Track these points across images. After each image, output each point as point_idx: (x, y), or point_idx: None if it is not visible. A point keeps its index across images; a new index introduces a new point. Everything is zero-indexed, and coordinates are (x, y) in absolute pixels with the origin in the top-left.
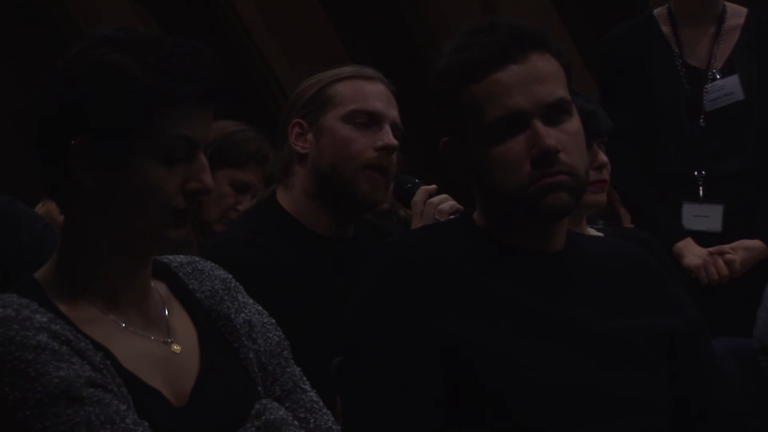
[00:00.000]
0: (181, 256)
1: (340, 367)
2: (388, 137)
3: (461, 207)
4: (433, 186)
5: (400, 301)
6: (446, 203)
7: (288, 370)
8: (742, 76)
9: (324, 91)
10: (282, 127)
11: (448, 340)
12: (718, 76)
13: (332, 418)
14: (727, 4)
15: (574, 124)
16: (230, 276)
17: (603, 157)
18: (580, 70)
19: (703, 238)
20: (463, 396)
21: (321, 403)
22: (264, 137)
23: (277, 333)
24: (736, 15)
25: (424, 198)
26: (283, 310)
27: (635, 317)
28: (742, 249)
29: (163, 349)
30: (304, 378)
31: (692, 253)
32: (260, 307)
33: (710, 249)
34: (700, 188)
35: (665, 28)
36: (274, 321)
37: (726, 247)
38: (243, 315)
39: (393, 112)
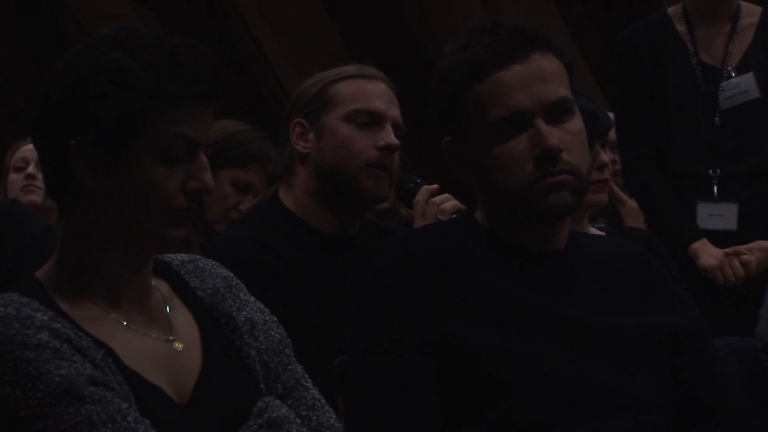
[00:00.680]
0: (182, 255)
1: (342, 366)
2: (390, 137)
3: (463, 206)
4: (435, 186)
5: (402, 300)
6: (448, 203)
7: (290, 367)
8: (758, 73)
9: (325, 90)
10: (283, 127)
11: (451, 338)
12: (734, 74)
13: (334, 416)
14: (742, 3)
15: (577, 123)
16: (231, 274)
17: (604, 157)
18: (582, 70)
19: (718, 238)
20: (466, 394)
21: (323, 401)
22: (266, 137)
23: (278, 331)
24: (751, 14)
25: (426, 197)
26: (287, 307)
27: (637, 315)
28: (758, 250)
29: (164, 347)
30: (306, 376)
31: (708, 253)
32: (262, 305)
33: (726, 250)
34: (715, 187)
35: (680, 27)
36: (275, 319)
37: (742, 248)
38: (245, 313)
39: (394, 111)
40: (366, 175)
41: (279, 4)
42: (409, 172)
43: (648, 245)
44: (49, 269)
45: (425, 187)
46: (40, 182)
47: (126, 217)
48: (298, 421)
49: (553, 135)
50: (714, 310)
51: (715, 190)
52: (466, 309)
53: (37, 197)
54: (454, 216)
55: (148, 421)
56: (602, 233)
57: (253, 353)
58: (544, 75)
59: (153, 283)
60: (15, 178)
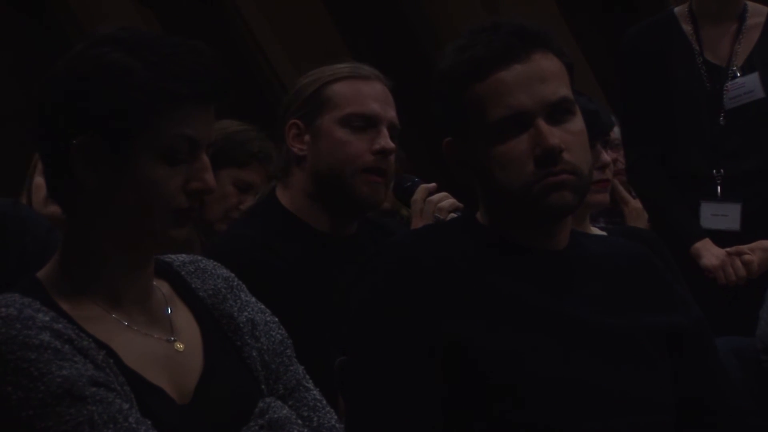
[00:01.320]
0: (184, 255)
1: (343, 367)
2: (385, 140)
3: (461, 204)
4: (433, 184)
5: (403, 301)
6: (446, 201)
7: (291, 368)
8: (763, 74)
9: (321, 92)
10: (279, 127)
11: (452, 339)
12: (739, 74)
13: (335, 417)
14: (749, 2)
15: (578, 123)
16: (233, 275)
17: (605, 157)
18: (582, 70)
19: (722, 238)
20: (468, 394)
21: (324, 402)
22: (267, 137)
23: (279, 331)
24: (757, 13)
25: (424, 196)
26: (287, 308)
27: (638, 315)
28: (760, 250)
29: (166, 348)
30: (307, 376)
31: (710, 253)
32: (263, 306)
33: (728, 249)
34: (719, 187)
35: (686, 26)
36: (276, 319)
37: (744, 247)
38: (246, 313)
39: (390, 113)
40: (361, 181)
41: (279, 3)
42: (410, 171)
43: (650, 245)
44: (50, 269)
45: (422, 186)
46: None
47: (127, 217)
48: (299, 422)
49: (554, 135)
50: (716, 310)
51: (719, 190)
52: (467, 309)
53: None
54: (452, 214)
55: (149, 422)
56: (603, 233)
57: (254, 354)
58: (544, 75)
59: (154, 283)
60: (39, 182)
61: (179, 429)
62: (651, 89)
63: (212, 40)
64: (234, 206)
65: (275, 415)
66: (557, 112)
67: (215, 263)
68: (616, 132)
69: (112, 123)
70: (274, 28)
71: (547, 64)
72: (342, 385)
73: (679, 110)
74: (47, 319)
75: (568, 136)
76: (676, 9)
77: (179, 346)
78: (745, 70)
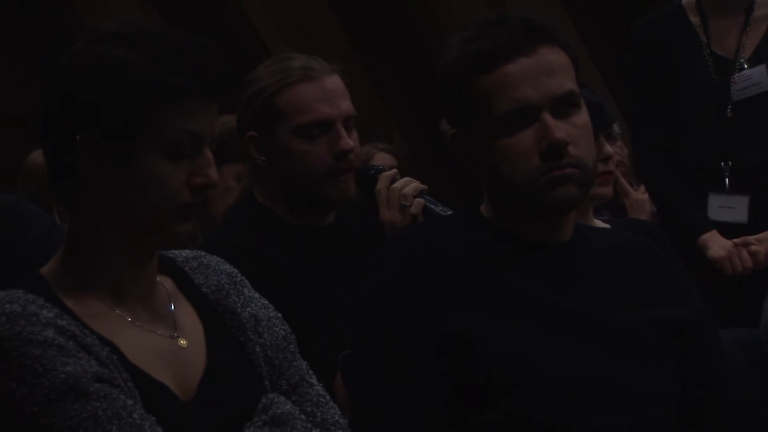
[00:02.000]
0: (187, 251)
1: (347, 360)
2: (343, 141)
3: (425, 187)
4: (394, 170)
5: (407, 295)
6: (409, 186)
7: (294, 364)
8: None
9: (270, 103)
10: (239, 138)
11: (457, 333)
12: (746, 66)
13: (339, 412)
14: None
15: (583, 116)
16: (236, 270)
17: (609, 149)
18: (585, 64)
19: (729, 230)
20: (472, 388)
21: (328, 397)
22: None
23: (283, 327)
24: (765, 5)
25: (387, 184)
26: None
27: (642, 308)
28: (767, 240)
29: (169, 344)
30: (311, 372)
31: (717, 244)
32: (266, 302)
33: (735, 240)
34: (726, 179)
35: (693, 18)
36: (280, 315)
37: (751, 238)
38: (249, 309)
39: (342, 106)
40: (328, 185)
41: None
42: (413, 166)
43: (653, 237)
44: (53, 266)
45: (384, 175)
46: None
47: (131, 212)
48: (302, 417)
49: (559, 128)
50: (721, 301)
51: (727, 182)
52: (471, 303)
53: None
54: (417, 199)
55: (153, 418)
56: (607, 226)
57: (257, 350)
58: (551, 68)
59: (158, 279)
60: None
61: (183, 425)
62: (658, 81)
63: (215, 36)
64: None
65: (279, 411)
66: (563, 106)
67: (218, 259)
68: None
69: (115, 119)
70: (277, 23)
71: (553, 57)
72: (346, 378)
73: (686, 102)
74: (51, 315)
75: (574, 129)
76: (684, 1)
77: (183, 342)
78: (753, 62)
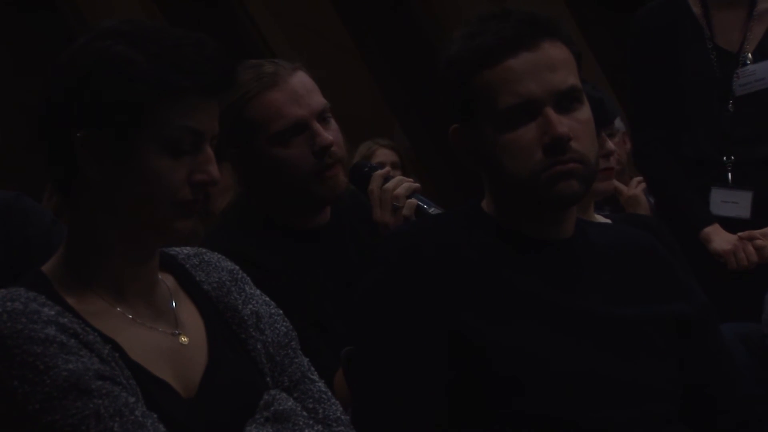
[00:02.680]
0: (188, 248)
1: (349, 357)
2: (321, 138)
3: (417, 186)
4: (386, 168)
5: (408, 291)
6: (401, 187)
7: (296, 360)
8: None
9: (241, 116)
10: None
11: (458, 329)
12: (749, 61)
13: (341, 408)
14: None
15: (585, 112)
16: (237, 267)
17: (610, 145)
18: (587, 60)
19: (731, 225)
20: (474, 384)
21: (329, 394)
22: None
23: (284, 324)
24: None
25: (380, 184)
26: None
27: (644, 304)
28: None
29: (171, 341)
30: (312, 368)
31: (721, 238)
32: (267, 298)
33: (740, 234)
34: (729, 174)
35: (696, 9)
36: (281, 312)
37: (756, 232)
38: (250, 306)
39: (314, 102)
40: (316, 185)
41: None
42: (415, 162)
43: (654, 231)
44: (55, 263)
45: (376, 174)
46: None
47: (132, 209)
48: (304, 413)
49: (562, 123)
50: (725, 295)
51: (730, 177)
52: (472, 299)
53: None
54: (410, 200)
55: (155, 415)
56: (608, 221)
57: (259, 346)
58: (553, 63)
59: (159, 276)
60: None
61: (185, 422)
62: (661, 70)
63: (216, 33)
64: None
65: (280, 408)
66: (566, 101)
67: (219, 256)
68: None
69: (116, 115)
70: (279, 20)
71: (556, 52)
72: (348, 375)
73: (689, 95)
74: (53, 313)
75: (576, 124)
76: None
77: (184, 339)
78: (756, 56)
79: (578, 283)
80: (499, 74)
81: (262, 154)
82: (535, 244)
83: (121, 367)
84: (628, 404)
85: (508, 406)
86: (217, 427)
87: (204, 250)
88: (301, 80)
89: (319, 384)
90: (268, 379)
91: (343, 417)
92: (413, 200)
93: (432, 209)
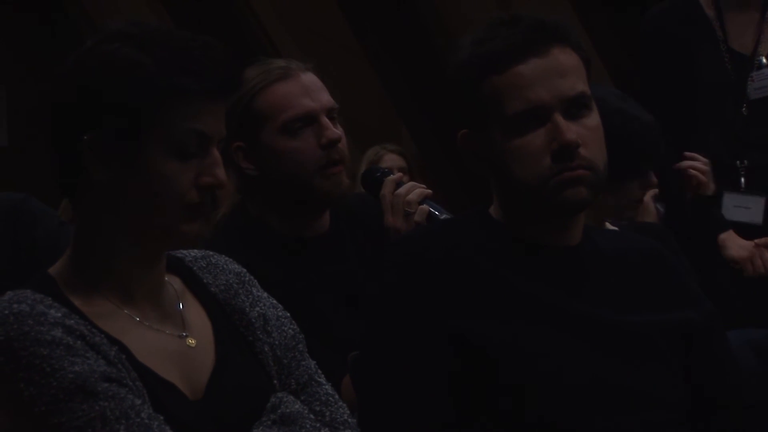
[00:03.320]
0: (195, 251)
1: (355, 361)
2: (329, 131)
3: (429, 191)
4: (398, 174)
5: (415, 296)
6: (413, 193)
7: (303, 363)
8: None
9: (249, 108)
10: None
11: (464, 333)
12: (764, 63)
13: (348, 411)
14: None
15: (594, 118)
16: (244, 270)
17: (655, 181)
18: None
19: (743, 230)
20: (480, 390)
21: (336, 396)
22: None
23: (291, 326)
24: None
25: (392, 189)
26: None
27: (651, 311)
28: None
29: (178, 343)
30: (320, 371)
31: (736, 244)
32: (275, 301)
33: (756, 241)
34: (742, 178)
35: (709, 12)
36: (288, 314)
37: None
38: (258, 308)
39: (323, 98)
40: (321, 178)
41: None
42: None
43: (661, 239)
44: (62, 265)
45: (388, 179)
46: None
47: (139, 212)
48: (311, 416)
49: (571, 130)
50: (737, 301)
51: (743, 182)
52: (479, 305)
53: None
54: (422, 206)
55: (161, 418)
56: (616, 228)
57: (266, 349)
58: (563, 69)
59: (166, 279)
60: None
61: (192, 424)
62: (673, 73)
63: (223, 35)
64: None
65: (287, 410)
66: (574, 107)
67: (227, 258)
68: None
69: (123, 118)
70: (285, 23)
71: (565, 58)
72: (355, 379)
73: (702, 98)
74: (59, 315)
75: (585, 131)
76: None
77: (191, 341)
78: None
79: (585, 289)
80: (508, 80)
81: (268, 146)
82: (543, 249)
83: (128, 369)
84: (634, 411)
85: (513, 411)
86: (224, 429)
87: (211, 253)
88: (312, 79)
89: (327, 387)
90: (275, 381)
91: (350, 420)
92: (425, 206)
93: (443, 215)
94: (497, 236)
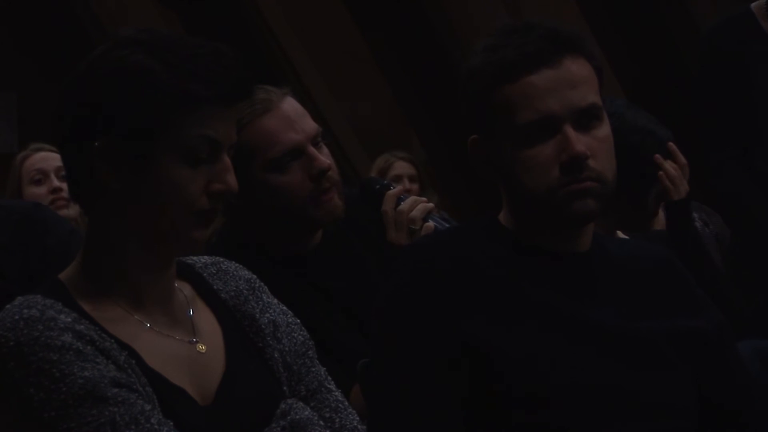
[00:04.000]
0: (205, 257)
1: (365, 369)
2: (317, 161)
3: (432, 206)
4: (399, 188)
5: (424, 303)
6: (416, 210)
7: (313, 369)
8: None
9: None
10: None
11: (474, 341)
12: None
13: (357, 418)
14: None
15: (605, 129)
16: (254, 276)
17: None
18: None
19: None
20: (489, 397)
21: (346, 403)
22: None
23: (301, 333)
24: None
25: (393, 205)
26: None
27: (661, 318)
28: None
29: (188, 349)
30: (329, 378)
31: None
32: (285, 308)
33: None
34: None
35: (764, 23)
36: (298, 321)
37: None
38: (268, 315)
39: (307, 126)
40: (313, 209)
41: (301, 4)
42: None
43: (671, 248)
44: (72, 271)
45: (389, 194)
46: (67, 194)
47: (149, 218)
48: (321, 423)
49: (580, 141)
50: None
51: None
52: (488, 312)
53: (71, 211)
54: (427, 224)
55: (171, 423)
56: (626, 237)
57: (276, 355)
58: (574, 80)
59: (176, 285)
60: (36, 192)
61: (201, 430)
62: (732, 88)
63: (233, 41)
64: None
65: (297, 417)
66: (585, 118)
67: (237, 265)
68: None
69: (134, 125)
70: (296, 29)
71: (577, 69)
72: (364, 387)
73: (761, 109)
74: (69, 320)
75: (595, 142)
76: (753, 5)
77: (201, 347)
78: None
79: (594, 296)
80: (520, 90)
81: (257, 181)
82: (552, 257)
83: (138, 374)
84: (644, 419)
85: (522, 418)
86: None
87: (221, 259)
88: (292, 105)
89: (336, 393)
90: (285, 388)
91: (359, 427)
92: (430, 224)
93: (448, 226)
94: (507, 243)
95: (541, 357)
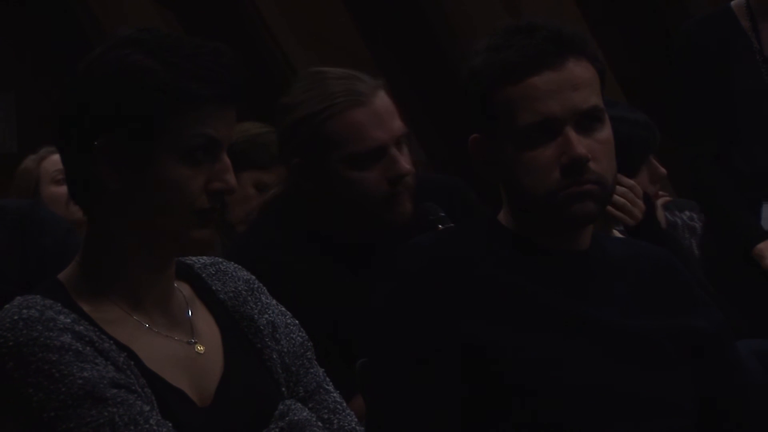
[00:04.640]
0: (204, 258)
1: (364, 368)
2: (398, 166)
3: None
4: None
5: (424, 302)
6: None
7: (311, 370)
8: None
9: (318, 131)
10: (283, 163)
11: (473, 340)
12: None
13: (356, 419)
14: None
15: (606, 132)
16: (253, 277)
17: (663, 170)
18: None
19: None
20: (489, 396)
21: (344, 404)
22: None
23: (300, 334)
24: None
25: None
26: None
27: (660, 317)
28: None
29: (186, 350)
30: (328, 379)
31: None
32: (283, 308)
33: None
34: None
35: (744, 22)
36: (297, 322)
37: None
38: (266, 316)
39: (394, 127)
40: (383, 211)
41: (300, 4)
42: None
43: (669, 247)
44: (71, 271)
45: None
46: None
47: (149, 217)
48: (319, 424)
49: (581, 144)
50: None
51: None
52: (488, 311)
53: None
54: None
55: (170, 424)
56: (623, 236)
57: (274, 356)
58: (576, 82)
59: (175, 285)
60: (60, 192)
61: (200, 431)
62: (709, 85)
63: (232, 41)
64: (255, 208)
65: (295, 418)
66: (586, 120)
67: (236, 265)
68: None
69: (134, 124)
70: (294, 28)
71: (579, 71)
72: (363, 387)
73: (740, 108)
74: (68, 320)
75: (596, 144)
76: (732, 4)
77: (200, 348)
78: None
79: (594, 294)
80: (521, 91)
81: (333, 171)
82: (552, 256)
83: (137, 375)
84: (642, 418)
85: (522, 417)
86: None
87: (220, 260)
88: (384, 102)
89: (335, 394)
90: (283, 389)
91: (358, 428)
92: (480, 218)
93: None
94: (506, 242)
95: (541, 357)
